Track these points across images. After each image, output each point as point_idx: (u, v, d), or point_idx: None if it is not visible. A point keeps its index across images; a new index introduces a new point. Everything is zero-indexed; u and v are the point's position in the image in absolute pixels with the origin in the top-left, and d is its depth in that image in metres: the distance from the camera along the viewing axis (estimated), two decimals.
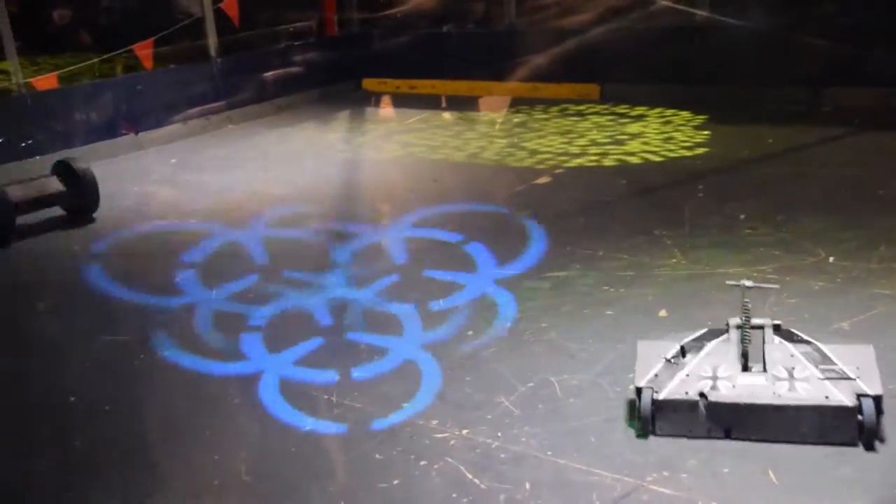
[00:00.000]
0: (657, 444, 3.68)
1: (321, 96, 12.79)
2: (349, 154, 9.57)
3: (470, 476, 3.57)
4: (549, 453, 3.70)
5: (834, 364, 3.71)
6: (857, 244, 5.70)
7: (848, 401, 3.55)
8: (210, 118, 11.20)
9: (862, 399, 3.55)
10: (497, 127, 10.31)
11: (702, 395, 3.70)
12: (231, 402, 4.34)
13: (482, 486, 3.50)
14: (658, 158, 8.35)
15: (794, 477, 3.40)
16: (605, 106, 10.96)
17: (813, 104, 9.87)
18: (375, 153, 9.52)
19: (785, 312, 4.81)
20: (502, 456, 3.71)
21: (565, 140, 9.34)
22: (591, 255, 5.97)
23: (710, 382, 3.74)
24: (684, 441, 3.69)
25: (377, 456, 3.77)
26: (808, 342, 3.93)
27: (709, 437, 3.67)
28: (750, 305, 3.89)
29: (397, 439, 3.90)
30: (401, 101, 12.40)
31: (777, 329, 3.96)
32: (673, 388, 3.75)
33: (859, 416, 3.53)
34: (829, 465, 3.47)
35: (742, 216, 6.51)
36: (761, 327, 3.92)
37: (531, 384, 4.31)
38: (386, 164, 8.99)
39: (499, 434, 3.87)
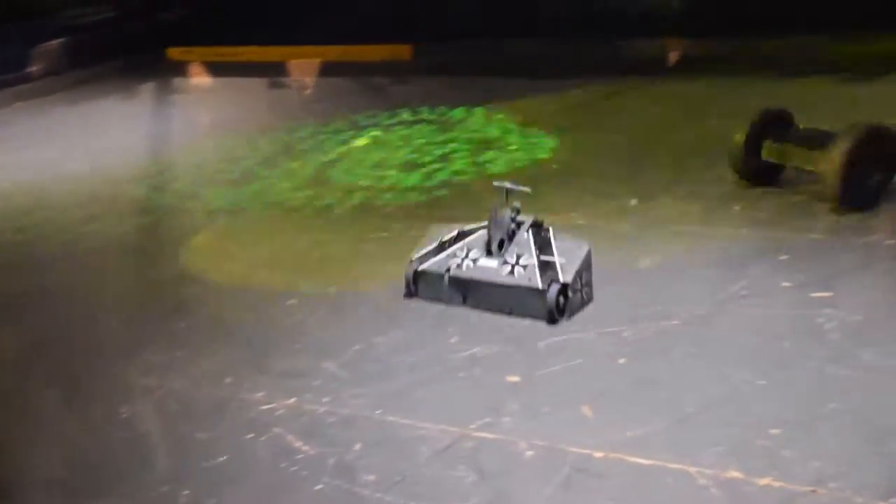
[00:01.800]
0: (479, 395, 3.79)
1: (122, 68, 12.10)
2: (152, 129, 9.15)
3: (298, 444, 3.55)
4: (377, 412, 3.74)
5: (552, 255, 4.36)
6: (658, 186, 6.03)
7: (540, 284, 4.25)
8: None
9: (552, 284, 4.24)
10: (308, 92, 10.16)
11: (447, 269, 4.47)
12: None
13: (311, 451, 3.49)
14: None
15: (604, 411, 3.59)
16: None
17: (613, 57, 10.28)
18: (184, 127, 9.16)
19: (596, 254, 5.05)
20: (331, 420, 3.72)
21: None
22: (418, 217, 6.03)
23: (458, 261, 4.51)
24: (507, 387, 3.82)
25: (199, 435, 3.68)
26: (548, 235, 4.51)
27: (450, 303, 4.48)
28: (517, 205, 4.53)
29: (222, 416, 3.82)
30: (210, 70, 11.94)
31: (536, 225, 4.54)
32: (431, 263, 4.58)
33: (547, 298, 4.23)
34: (634, 395, 3.69)
35: (554, 166, 6.75)
36: (520, 223, 4.53)
37: (357, 346, 4.32)
38: (197, 140, 8.67)
39: (326, 399, 3.87)
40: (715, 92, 8.19)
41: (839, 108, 6.83)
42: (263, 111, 9.63)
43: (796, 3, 9.24)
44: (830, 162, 5.10)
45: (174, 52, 12.70)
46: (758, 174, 5.72)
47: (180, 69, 12.01)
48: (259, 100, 10.35)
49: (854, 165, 5.08)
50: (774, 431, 3.32)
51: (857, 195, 5.17)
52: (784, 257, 4.77)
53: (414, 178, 6.77)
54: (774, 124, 5.71)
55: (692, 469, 3.15)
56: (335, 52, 11.62)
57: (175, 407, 3.94)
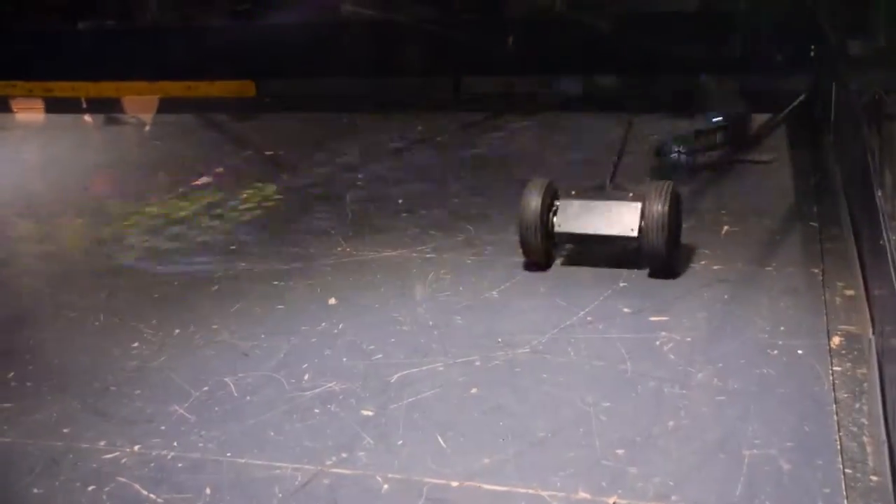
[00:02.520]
0: (333, 430, 3.76)
1: None
2: None
3: (146, 492, 3.39)
4: (228, 454, 3.63)
5: None
6: (501, 219, 6.21)
7: None
8: None
9: None
10: (147, 129, 9.86)
11: None
12: None
13: (159, 500, 3.34)
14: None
15: (458, 441, 3.64)
16: None
17: (454, 92, 10.58)
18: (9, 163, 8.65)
19: (444, 286, 5.14)
20: (179, 465, 3.58)
21: None
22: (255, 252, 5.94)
23: None
24: (361, 422, 3.81)
25: (35, 490, 3.45)
26: None
27: None
28: None
29: (59, 468, 3.60)
30: (37, 105, 11.35)
31: None
32: None
33: None
34: (486, 423, 3.76)
35: (400, 201, 6.83)
36: None
37: (206, 388, 4.19)
38: (26, 173, 8.22)
39: (175, 444, 3.72)
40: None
41: None
42: (95, 150, 9.26)
43: None
44: (651, 227, 4.91)
45: None
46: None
47: (3, 104, 11.36)
48: (91, 138, 9.95)
49: (671, 229, 5.00)
50: (619, 451, 3.47)
51: (673, 254, 5.12)
52: (623, 284, 5.01)
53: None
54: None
55: (544, 493, 3.23)
56: (177, 87, 11.34)
57: (6, 462, 3.68)
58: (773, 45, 9.34)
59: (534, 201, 5.16)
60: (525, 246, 5.25)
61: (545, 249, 5.24)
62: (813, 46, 8.88)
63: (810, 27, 8.89)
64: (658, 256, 4.97)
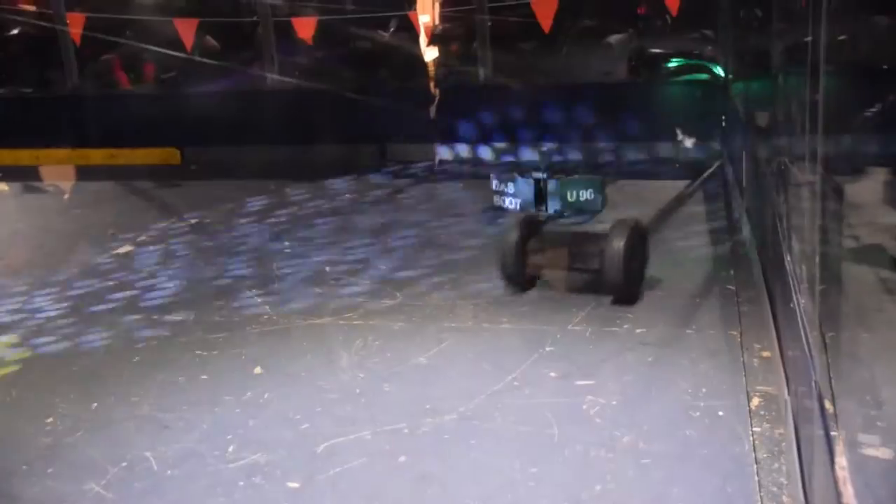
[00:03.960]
0: (262, 503, 3.67)
1: None
2: None
3: None
4: None
5: None
6: (428, 284, 6.25)
7: None
8: None
9: None
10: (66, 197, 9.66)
11: None
12: None
13: None
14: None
15: None
16: None
17: (380, 158, 10.67)
18: None
19: (372, 353, 5.12)
20: None
21: None
22: (179, 321, 5.83)
23: None
24: (288, 494, 3.73)
25: None
26: None
27: None
28: None
29: None
30: None
31: None
32: None
33: None
34: (416, 494, 3.72)
35: (327, 269, 6.81)
36: None
37: (124, 463, 4.05)
38: None
39: None
40: None
41: None
42: (10, 219, 9.02)
43: None
44: (611, 258, 5.51)
45: None
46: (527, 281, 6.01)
47: None
48: (8, 206, 9.71)
49: (631, 259, 5.57)
50: None
51: (634, 287, 5.69)
52: (550, 349, 5.07)
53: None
54: (530, 228, 6.07)
55: None
56: (98, 155, 11.17)
57: None
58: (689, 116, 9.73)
59: (512, 235, 5.90)
60: (505, 277, 5.97)
61: (524, 279, 5.96)
62: (724, 116, 9.29)
63: (722, 98, 9.31)
64: (617, 288, 5.59)
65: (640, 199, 8.14)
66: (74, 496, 3.79)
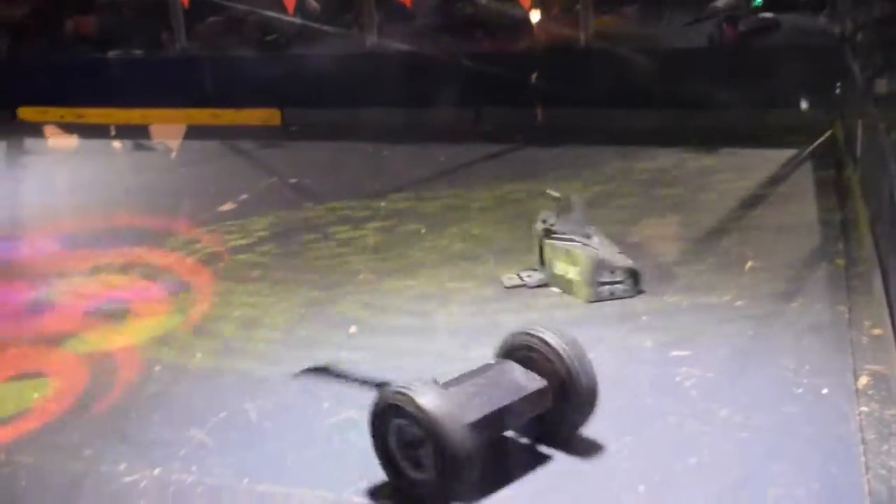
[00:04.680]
0: (356, 458, 3.73)
1: None
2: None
3: None
4: (246, 481, 3.62)
5: None
6: (525, 245, 6.19)
7: None
8: None
9: None
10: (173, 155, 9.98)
11: None
12: None
13: None
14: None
15: None
16: None
17: (474, 124, 10.61)
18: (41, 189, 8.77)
19: (465, 314, 5.13)
20: (198, 490, 3.57)
21: None
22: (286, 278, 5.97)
23: None
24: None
25: None
26: None
27: None
28: None
29: (80, 490, 3.60)
30: (68, 131, 11.49)
31: None
32: None
33: None
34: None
35: (423, 230, 6.83)
36: None
37: (224, 413, 4.19)
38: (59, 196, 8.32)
39: (193, 468, 3.72)
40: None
41: None
42: (125, 174, 9.37)
43: None
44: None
45: (27, 113, 12.16)
46: None
47: (35, 130, 11.51)
48: (121, 163, 10.09)
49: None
50: (641, 487, 3.42)
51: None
52: (645, 318, 4.98)
53: None
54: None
55: None
56: (203, 115, 11.46)
57: (26, 483, 3.69)
58: (799, 82, 9.31)
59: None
60: None
61: None
62: (839, 84, 8.86)
63: (837, 65, 8.88)
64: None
65: (747, 168, 7.87)
66: (180, 441, 3.94)
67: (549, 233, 5.53)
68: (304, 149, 10.12)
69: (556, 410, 3.68)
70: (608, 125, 9.60)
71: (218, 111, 11.53)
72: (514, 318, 4.94)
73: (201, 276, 6.12)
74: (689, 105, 9.54)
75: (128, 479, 3.67)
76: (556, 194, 5.69)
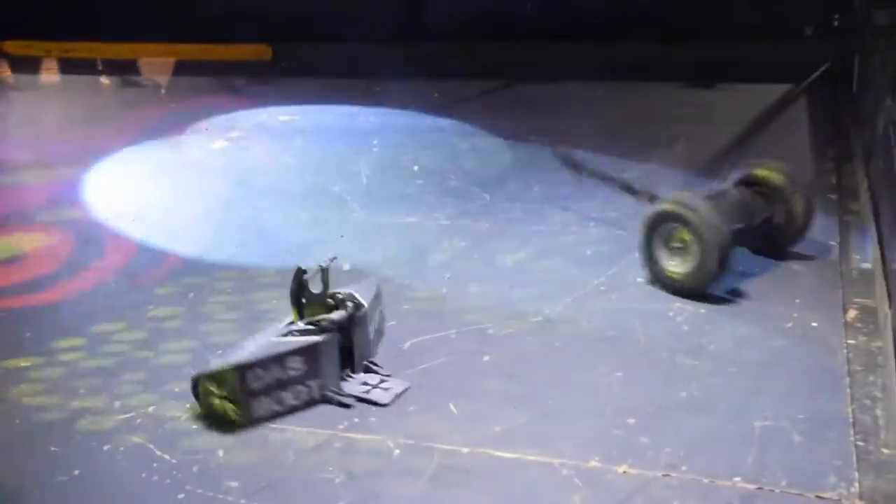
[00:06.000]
0: None
1: None
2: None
3: (159, 452, 3.42)
4: None
5: None
6: (516, 186, 6.19)
7: None
8: None
9: None
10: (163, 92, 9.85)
11: None
12: None
13: (173, 460, 3.37)
14: None
15: (470, 408, 3.64)
16: None
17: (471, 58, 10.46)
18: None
19: (459, 253, 5.14)
20: (193, 427, 3.61)
21: None
22: None
23: None
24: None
25: (52, 448, 3.49)
26: None
27: None
28: None
29: (76, 428, 3.64)
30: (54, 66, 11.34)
31: None
32: None
33: None
34: (499, 393, 3.77)
35: (416, 167, 6.81)
36: None
37: (219, 351, 4.21)
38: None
39: (187, 406, 3.75)
40: None
41: None
42: (113, 111, 9.26)
43: None
44: None
45: (11, 47, 11.94)
46: None
47: (20, 65, 11.32)
48: (108, 99, 9.96)
49: None
50: (631, 420, 3.47)
51: None
52: (636, 254, 4.98)
53: None
54: None
55: (555, 461, 3.24)
56: (192, 50, 11.28)
57: (19, 421, 3.72)
58: (797, 13, 9.17)
59: None
60: None
61: None
62: (836, 16, 8.73)
63: None
64: None
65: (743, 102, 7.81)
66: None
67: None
68: (294, 85, 9.99)
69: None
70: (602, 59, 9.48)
71: (209, 46, 11.34)
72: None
73: None
74: (685, 38, 9.41)
75: (122, 416, 3.70)
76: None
